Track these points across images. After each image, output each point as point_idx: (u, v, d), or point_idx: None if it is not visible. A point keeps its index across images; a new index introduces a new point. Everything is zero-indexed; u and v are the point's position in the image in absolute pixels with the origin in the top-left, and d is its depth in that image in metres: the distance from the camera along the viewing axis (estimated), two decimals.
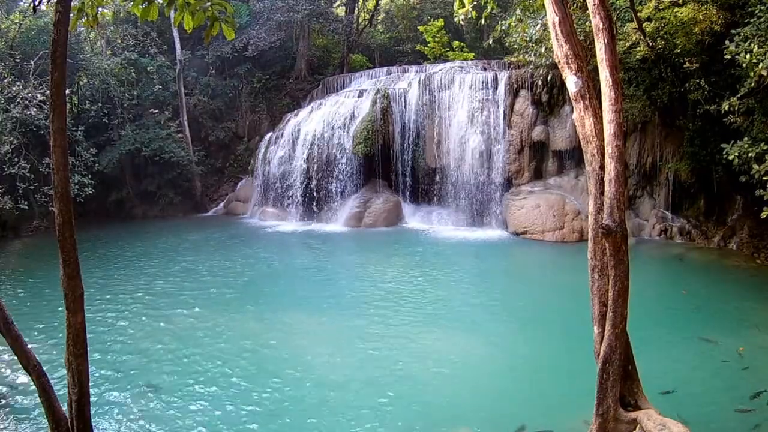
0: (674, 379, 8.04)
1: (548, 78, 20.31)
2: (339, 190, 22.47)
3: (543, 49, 17.25)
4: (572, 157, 20.66)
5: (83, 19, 5.48)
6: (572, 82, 5.98)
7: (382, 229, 21.09)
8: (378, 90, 22.83)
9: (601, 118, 5.75)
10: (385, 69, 26.98)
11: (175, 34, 26.84)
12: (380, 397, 7.83)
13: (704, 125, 16.06)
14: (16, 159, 19.61)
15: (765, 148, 11.10)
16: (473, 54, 29.16)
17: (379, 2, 33.97)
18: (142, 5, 4.76)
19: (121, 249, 18.36)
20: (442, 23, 29.95)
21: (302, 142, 23.16)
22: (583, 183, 19.60)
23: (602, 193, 5.67)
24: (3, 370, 8.80)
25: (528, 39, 17.72)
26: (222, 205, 27.25)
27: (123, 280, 14.27)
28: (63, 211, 4.66)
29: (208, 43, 26.56)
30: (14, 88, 19.36)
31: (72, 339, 4.74)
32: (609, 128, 5.57)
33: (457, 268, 15.80)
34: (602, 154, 5.70)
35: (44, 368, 4.91)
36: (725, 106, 12.41)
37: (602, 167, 5.71)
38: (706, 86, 14.73)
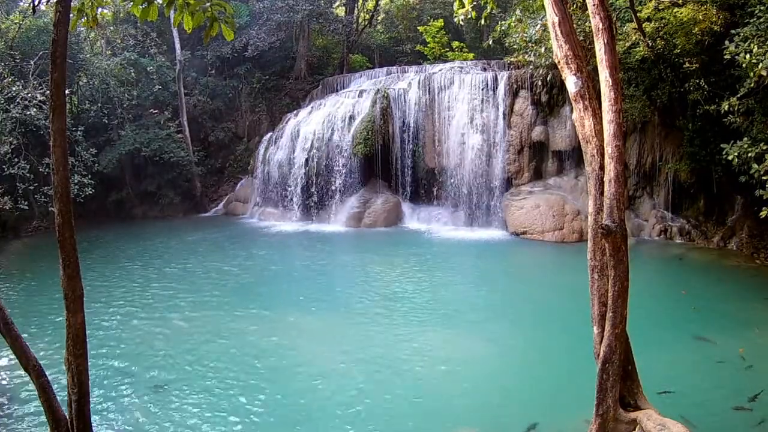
0: (674, 378, 8.04)
1: (548, 78, 20.31)
2: (339, 190, 22.47)
3: (543, 50, 17.25)
4: (572, 158, 20.67)
5: (83, 20, 5.48)
6: (572, 83, 5.98)
7: (382, 230, 21.09)
8: (378, 90, 22.83)
9: (601, 118, 5.75)
10: (384, 69, 26.98)
11: (175, 34, 26.84)
12: (385, 393, 7.85)
13: (704, 125, 16.07)
14: (15, 159, 19.61)
15: (764, 148, 11.11)
16: (473, 54, 29.16)
17: (379, 2, 33.97)
18: (141, 6, 4.75)
19: (121, 249, 18.34)
20: (442, 23, 29.96)
21: (302, 142, 23.16)
22: (582, 183, 19.60)
23: (602, 193, 5.67)
24: (3, 370, 8.80)
25: (528, 39, 17.72)
26: (222, 205, 27.25)
27: (122, 280, 14.26)
28: (63, 212, 4.66)
29: (208, 44, 26.57)
30: (14, 88, 19.36)
31: (72, 339, 4.73)
32: (608, 128, 5.57)
33: (457, 269, 15.80)
34: (602, 155, 5.70)
35: (44, 368, 4.91)
36: (725, 106, 12.41)
37: (602, 167, 5.71)
38: (705, 86, 14.73)
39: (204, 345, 9.78)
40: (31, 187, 19.86)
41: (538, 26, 16.45)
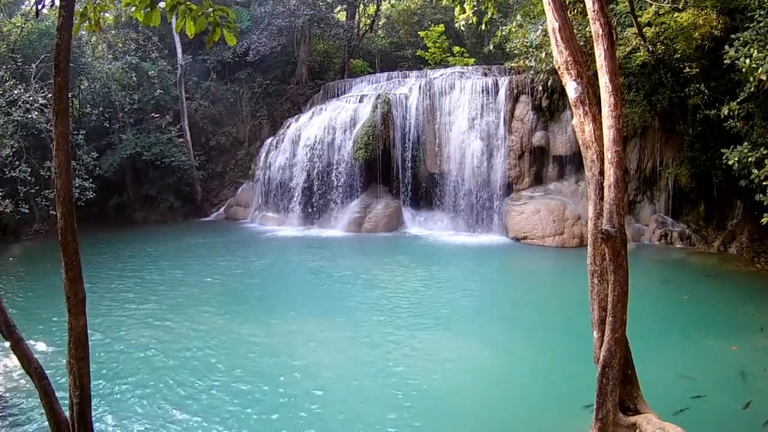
0: (674, 383, 8.04)
1: (548, 83, 20.36)
2: (339, 195, 22.50)
3: (543, 55, 17.29)
4: (572, 163, 20.69)
5: (86, 24, 5.49)
6: (572, 88, 6.02)
7: (383, 235, 21.09)
8: (379, 95, 22.87)
9: (601, 123, 5.78)
10: (385, 74, 27.06)
11: (176, 38, 26.95)
12: (386, 398, 7.84)
13: (704, 130, 16.09)
14: (17, 162, 19.66)
15: (765, 152, 11.12)
16: (474, 59, 29.25)
17: (380, 7, 34.08)
18: (144, 11, 4.77)
19: (121, 253, 18.35)
20: (443, 29, 30.06)
21: (303, 147, 23.22)
22: (583, 188, 19.62)
23: (602, 198, 5.69)
24: (4, 372, 8.80)
25: (528, 44, 17.76)
26: (222, 209, 27.28)
27: (122, 284, 14.27)
28: (65, 215, 4.66)
29: (210, 49, 26.62)
30: (15, 92, 19.42)
31: (74, 342, 4.73)
32: (608, 134, 5.60)
33: (458, 274, 15.80)
34: (602, 160, 5.73)
35: (45, 371, 4.91)
36: (725, 110, 12.42)
37: (602, 173, 5.73)
38: (705, 91, 14.76)
39: (205, 350, 9.78)
40: (32, 191, 19.91)
41: (539, 31, 16.50)
